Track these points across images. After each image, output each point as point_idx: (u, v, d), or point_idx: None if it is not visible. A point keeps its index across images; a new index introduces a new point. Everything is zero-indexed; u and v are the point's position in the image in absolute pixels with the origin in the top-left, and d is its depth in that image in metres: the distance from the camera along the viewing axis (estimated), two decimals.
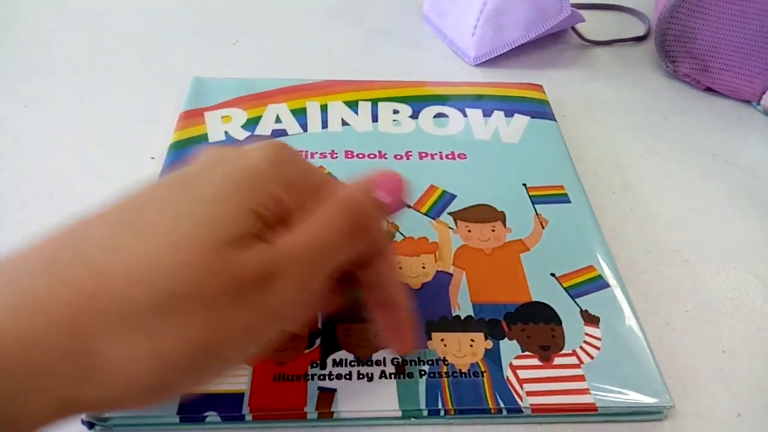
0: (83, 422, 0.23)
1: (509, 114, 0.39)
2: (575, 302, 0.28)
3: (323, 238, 0.19)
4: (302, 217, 0.20)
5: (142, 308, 0.16)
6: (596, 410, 0.24)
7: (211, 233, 0.17)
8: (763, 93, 0.43)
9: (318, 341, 0.26)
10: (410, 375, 0.25)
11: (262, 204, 0.18)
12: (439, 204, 0.32)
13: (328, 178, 0.22)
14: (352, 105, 0.39)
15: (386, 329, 0.24)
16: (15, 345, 0.15)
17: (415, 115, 0.38)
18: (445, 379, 0.25)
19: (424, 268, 0.29)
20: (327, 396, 0.24)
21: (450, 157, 0.35)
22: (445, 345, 0.26)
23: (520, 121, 0.38)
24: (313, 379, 0.24)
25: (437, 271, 0.29)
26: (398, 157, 0.35)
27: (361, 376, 0.25)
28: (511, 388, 0.24)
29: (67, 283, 0.16)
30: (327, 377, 0.24)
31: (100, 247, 0.17)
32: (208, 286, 0.17)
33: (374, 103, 0.39)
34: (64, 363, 0.15)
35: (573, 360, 0.25)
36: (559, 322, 0.27)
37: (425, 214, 0.32)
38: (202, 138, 0.35)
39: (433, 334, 0.26)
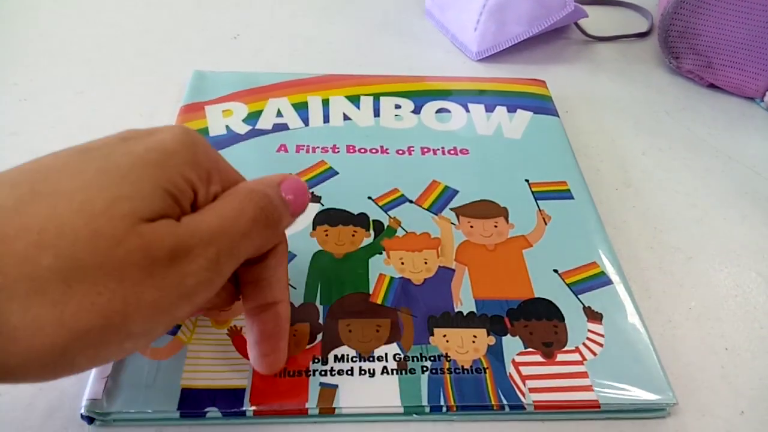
0: (82, 417, 0.23)
1: (512, 109, 0.39)
2: (578, 299, 0.28)
3: (235, 222, 0.19)
4: (211, 202, 0.20)
5: (48, 274, 0.15)
6: (599, 407, 0.24)
7: (126, 206, 0.17)
8: (767, 89, 0.43)
9: (319, 337, 0.25)
10: (412, 371, 0.24)
11: (174, 184, 0.18)
12: (441, 199, 0.32)
13: (235, 170, 0.22)
14: (354, 99, 0.38)
15: (259, 337, 0.23)
16: None
17: (417, 110, 0.38)
18: (448, 375, 0.24)
19: (426, 263, 0.29)
20: (328, 392, 0.24)
21: (452, 152, 0.35)
22: (447, 341, 0.26)
23: (523, 116, 0.38)
24: (314, 374, 0.24)
25: (439, 266, 0.29)
26: (400, 152, 0.35)
27: (362, 372, 0.24)
28: (513, 384, 0.24)
29: None
30: (328, 373, 0.24)
31: (2, 208, 0.16)
32: (119, 258, 0.16)
33: (376, 97, 0.39)
34: None
35: (576, 357, 0.25)
36: (561, 318, 0.27)
37: (427, 210, 0.31)
38: (203, 132, 0.35)
39: (436, 330, 0.26)
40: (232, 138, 0.35)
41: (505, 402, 0.24)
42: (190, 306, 0.18)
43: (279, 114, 0.37)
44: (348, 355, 0.25)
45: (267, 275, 0.22)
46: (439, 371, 0.25)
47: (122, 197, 0.17)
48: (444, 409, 0.24)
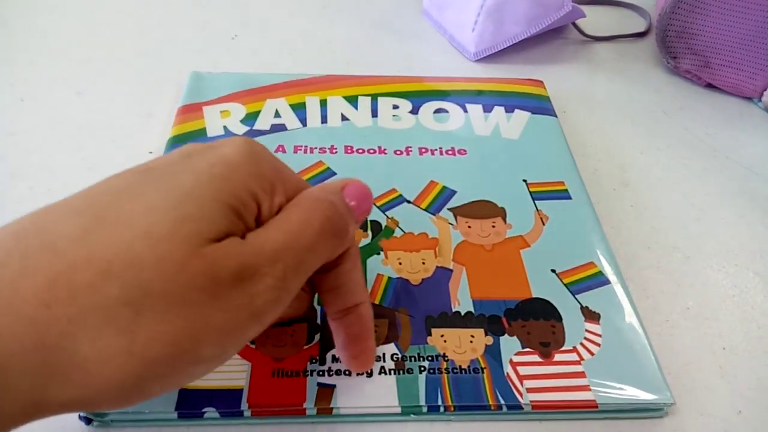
0: (80, 418, 0.23)
1: (510, 109, 0.39)
2: (576, 298, 0.28)
3: (301, 235, 0.19)
4: (276, 215, 0.19)
5: (116, 303, 0.15)
6: (596, 407, 0.24)
7: (189, 228, 0.16)
8: (765, 89, 0.43)
9: (317, 337, 0.25)
10: (410, 371, 0.24)
11: (239, 199, 0.18)
12: (439, 200, 0.32)
13: (298, 177, 0.22)
14: (352, 100, 0.38)
15: (346, 340, 0.23)
16: None
17: (415, 111, 0.38)
18: (445, 375, 0.24)
19: (424, 263, 0.29)
20: (326, 392, 0.24)
21: (450, 152, 0.35)
22: (444, 341, 0.26)
23: (521, 116, 0.38)
24: (312, 374, 0.24)
25: (437, 266, 0.29)
26: (398, 152, 0.35)
27: (360, 372, 0.24)
28: (511, 384, 0.24)
29: (36, 276, 0.15)
30: (326, 373, 0.24)
31: (68, 237, 0.16)
32: (184, 283, 0.16)
33: (374, 98, 0.39)
34: (33, 359, 0.14)
35: (573, 356, 0.25)
36: (559, 318, 0.27)
37: (425, 210, 0.31)
38: (201, 132, 0.35)
39: (433, 330, 0.26)
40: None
41: (502, 402, 0.24)
42: (260, 326, 0.18)
43: (277, 115, 0.37)
44: None
45: (344, 280, 0.22)
46: (436, 371, 0.25)
47: (186, 218, 0.16)
48: (441, 409, 0.24)
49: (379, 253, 0.29)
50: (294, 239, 0.18)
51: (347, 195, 0.21)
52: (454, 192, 0.33)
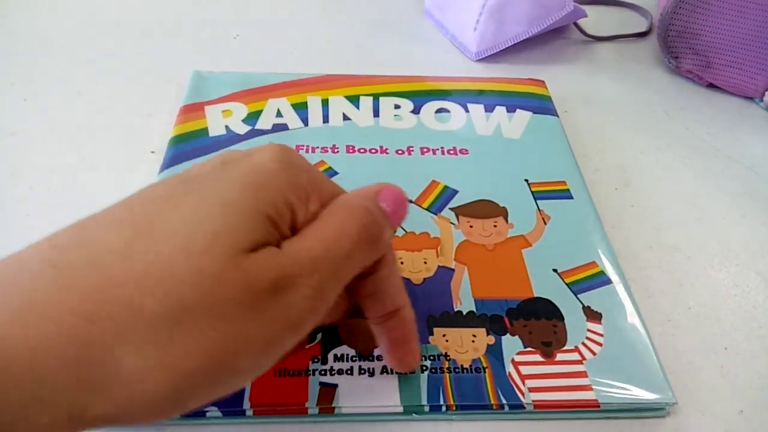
0: None
1: (511, 109, 0.39)
2: (577, 298, 0.28)
3: (337, 244, 0.18)
4: (311, 223, 0.19)
5: (155, 317, 0.15)
6: (598, 406, 0.24)
7: (226, 240, 0.16)
8: (766, 89, 0.43)
9: (319, 336, 0.25)
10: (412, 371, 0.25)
11: (274, 208, 0.18)
12: (440, 199, 0.32)
13: (333, 183, 0.21)
14: (354, 99, 0.38)
15: (390, 344, 0.23)
16: (22, 354, 0.14)
17: (416, 110, 0.38)
18: (447, 375, 0.24)
19: (425, 263, 0.29)
20: (328, 391, 0.24)
21: (452, 152, 0.35)
22: (446, 340, 0.26)
23: (522, 116, 0.38)
24: (314, 374, 0.24)
25: (439, 266, 0.29)
26: (400, 152, 0.35)
27: (362, 372, 0.24)
28: (513, 383, 0.24)
29: (78, 289, 0.15)
30: (328, 372, 0.24)
31: (109, 251, 0.16)
32: (221, 296, 0.16)
33: (375, 97, 0.39)
34: (73, 374, 0.14)
35: (575, 356, 0.25)
36: (561, 317, 0.27)
37: (427, 210, 0.31)
38: (203, 132, 0.35)
39: (435, 330, 0.26)
40: (231, 138, 0.35)
41: (504, 401, 0.24)
42: (297, 336, 0.18)
43: (279, 114, 0.37)
44: (347, 354, 0.25)
45: (383, 286, 0.22)
46: (438, 371, 0.25)
47: (223, 230, 0.16)
48: (443, 408, 0.24)
49: None
50: (330, 248, 0.18)
51: (382, 200, 0.21)
52: (455, 192, 0.33)
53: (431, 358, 0.25)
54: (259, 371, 0.18)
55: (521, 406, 0.24)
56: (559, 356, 0.25)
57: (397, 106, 0.38)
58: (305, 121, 0.37)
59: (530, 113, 0.38)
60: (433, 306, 0.27)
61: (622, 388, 0.24)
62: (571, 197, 0.33)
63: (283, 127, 0.36)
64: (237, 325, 0.16)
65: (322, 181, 0.21)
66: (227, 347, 0.16)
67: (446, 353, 0.25)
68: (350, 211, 0.20)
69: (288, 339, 0.18)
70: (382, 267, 0.21)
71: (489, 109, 0.39)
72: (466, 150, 0.35)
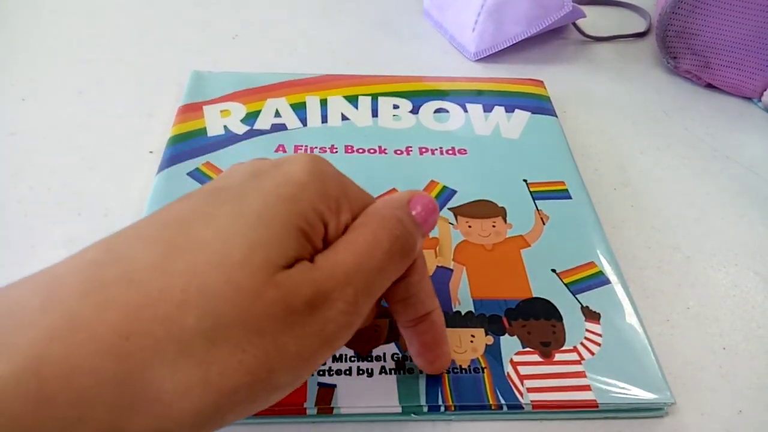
0: None
1: (510, 109, 0.39)
2: (576, 298, 0.28)
3: (370, 256, 0.18)
4: (343, 234, 0.19)
5: (193, 335, 0.15)
6: (597, 406, 0.24)
7: (262, 255, 0.16)
8: (765, 90, 0.43)
9: None
10: (410, 371, 0.24)
11: (307, 221, 0.18)
12: (439, 199, 0.32)
13: (363, 191, 0.21)
14: (352, 99, 0.38)
15: (421, 348, 0.23)
16: (61, 372, 0.14)
17: (415, 110, 0.38)
18: (446, 375, 0.24)
19: None
20: (326, 391, 0.24)
21: (450, 152, 0.35)
22: None
23: (521, 116, 0.38)
24: (312, 374, 0.24)
25: (437, 266, 0.29)
26: (398, 152, 0.35)
27: (360, 372, 0.24)
28: (511, 384, 0.24)
29: (115, 307, 0.15)
30: (326, 373, 0.24)
31: (145, 267, 0.16)
32: (259, 313, 0.16)
33: (374, 97, 0.39)
34: (112, 391, 0.14)
35: (574, 356, 0.25)
36: (559, 318, 0.27)
37: None
38: (201, 132, 0.35)
39: None
40: (230, 138, 0.35)
41: (503, 402, 0.24)
42: (332, 350, 0.18)
43: (277, 114, 0.37)
44: (346, 354, 0.25)
45: (414, 291, 0.22)
46: None
47: (258, 245, 0.16)
48: (442, 408, 0.24)
49: None
50: (363, 261, 0.18)
51: (413, 208, 0.21)
52: (454, 192, 0.33)
53: None
54: (296, 385, 0.18)
55: (520, 407, 0.24)
56: (558, 356, 0.25)
57: (395, 106, 0.38)
58: (304, 121, 0.37)
59: (529, 113, 0.39)
60: None
61: (621, 388, 0.24)
62: (569, 197, 0.33)
63: (281, 127, 0.36)
64: (275, 341, 0.16)
65: (353, 190, 0.20)
66: (266, 364, 0.16)
67: None
68: (382, 222, 0.19)
69: (323, 354, 0.18)
70: (413, 273, 0.21)
71: (488, 109, 0.39)
72: (465, 150, 0.35)
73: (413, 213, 0.21)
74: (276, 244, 0.17)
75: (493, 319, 0.26)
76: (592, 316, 0.27)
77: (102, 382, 0.14)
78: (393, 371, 0.24)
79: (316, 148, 0.35)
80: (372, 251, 0.19)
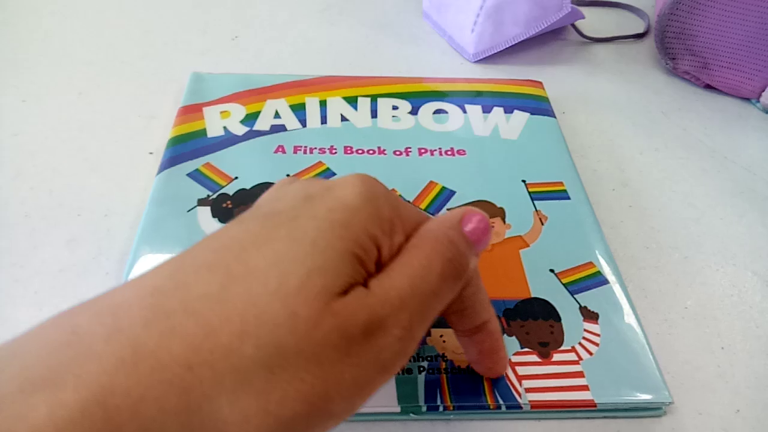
0: None
1: (509, 110, 0.39)
2: (574, 298, 0.28)
3: (424, 280, 0.18)
4: (396, 257, 0.19)
5: (252, 364, 0.15)
6: (595, 406, 0.24)
7: (319, 282, 0.16)
8: (763, 90, 0.43)
9: None
10: (409, 371, 0.25)
11: (361, 246, 0.18)
12: (438, 200, 0.32)
13: (415, 210, 0.21)
14: (352, 101, 0.39)
15: (479, 355, 0.23)
16: (127, 402, 0.14)
17: (414, 111, 0.38)
18: (444, 376, 0.24)
19: None
20: None
21: (449, 153, 0.35)
22: (444, 341, 0.26)
23: (520, 117, 0.38)
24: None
25: None
26: (397, 153, 0.35)
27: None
28: (509, 384, 0.24)
29: (177, 336, 0.15)
30: None
31: (204, 296, 0.16)
32: (317, 341, 0.16)
33: (373, 98, 0.39)
34: (176, 422, 0.14)
35: (572, 356, 0.25)
36: (558, 318, 0.27)
37: (425, 211, 0.32)
38: (201, 133, 0.35)
39: (432, 331, 0.26)
40: (230, 139, 0.35)
41: (501, 402, 0.24)
42: (388, 376, 0.18)
43: (277, 115, 0.37)
44: None
45: (469, 303, 0.21)
46: (435, 371, 0.25)
47: (314, 271, 0.16)
48: (441, 408, 0.24)
49: None
50: (417, 285, 0.18)
51: (465, 225, 0.20)
52: (453, 192, 0.33)
53: (428, 358, 0.25)
54: (350, 413, 0.18)
55: (518, 407, 0.24)
56: (556, 356, 0.25)
57: (395, 107, 0.38)
58: (303, 122, 0.37)
59: (528, 114, 0.39)
60: None
61: (619, 388, 0.24)
62: (568, 198, 0.33)
63: (281, 128, 0.36)
64: (332, 370, 0.16)
65: (406, 210, 0.20)
66: (324, 393, 0.16)
67: (443, 354, 0.25)
68: (435, 244, 0.19)
69: (379, 381, 0.18)
70: (468, 285, 0.21)
71: (486, 110, 0.39)
72: (464, 151, 0.36)
73: (465, 231, 0.20)
74: (331, 270, 0.17)
75: None
76: (590, 316, 0.27)
77: (166, 412, 0.14)
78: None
79: (315, 149, 0.35)
80: (425, 275, 0.18)
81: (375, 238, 0.18)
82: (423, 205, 0.32)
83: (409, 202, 0.32)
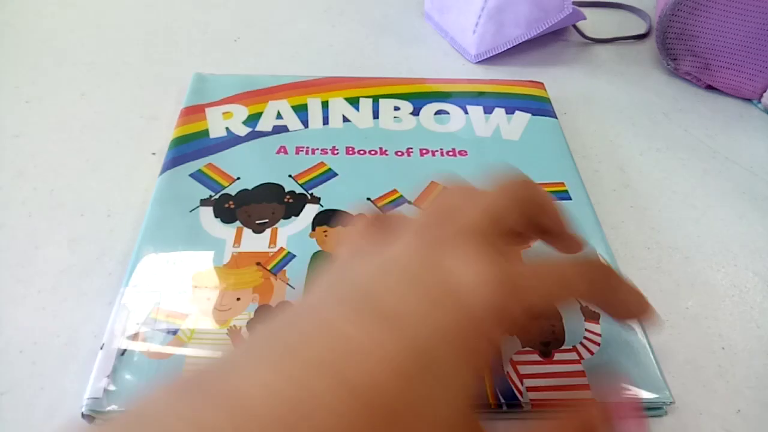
0: (83, 416, 0.23)
1: (510, 111, 0.39)
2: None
3: None
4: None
5: None
6: None
7: (461, 397, 0.15)
8: (764, 91, 0.43)
9: None
10: None
11: (483, 358, 0.16)
12: None
13: (543, 287, 0.18)
14: (353, 101, 0.39)
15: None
16: None
17: (416, 112, 0.38)
18: None
19: None
20: None
21: (451, 154, 0.35)
22: None
23: (521, 118, 0.38)
24: None
25: None
26: (399, 153, 0.35)
27: None
28: (511, 383, 0.24)
29: None
30: None
31: (328, 412, 0.14)
32: None
33: (375, 99, 0.39)
34: None
35: (573, 356, 0.25)
36: (559, 317, 0.27)
37: None
38: (203, 134, 0.35)
39: None
40: (232, 140, 0.35)
41: (502, 400, 0.24)
42: None
43: (279, 116, 0.37)
44: None
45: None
46: None
47: (457, 387, 0.15)
48: None
49: None
50: None
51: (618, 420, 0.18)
52: None
53: None
54: None
55: (519, 405, 0.24)
56: (557, 356, 0.25)
57: (396, 108, 0.39)
58: (305, 123, 0.37)
59: (529, 115, 0.39)
60: None
61: (620, 388, 0.24)
62: (569, 198, 0.33)
63: (283, 129, 0.36)
64: None
65: (534, 297, 0.18)
66: None
67: None
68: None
69: None
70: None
71: (488, 110, 0.39)
72: (465, 151, 0.36)
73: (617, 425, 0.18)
74: (463, 390, 0.16)
75: None
76: (591, 316, 0.27)
77: None
78: None
79: (317, 149, 0.35)
80: None
81: (496, 342, 0.16)
82: (425, 206, 0.32)
83: (410, 203, 0.32)
